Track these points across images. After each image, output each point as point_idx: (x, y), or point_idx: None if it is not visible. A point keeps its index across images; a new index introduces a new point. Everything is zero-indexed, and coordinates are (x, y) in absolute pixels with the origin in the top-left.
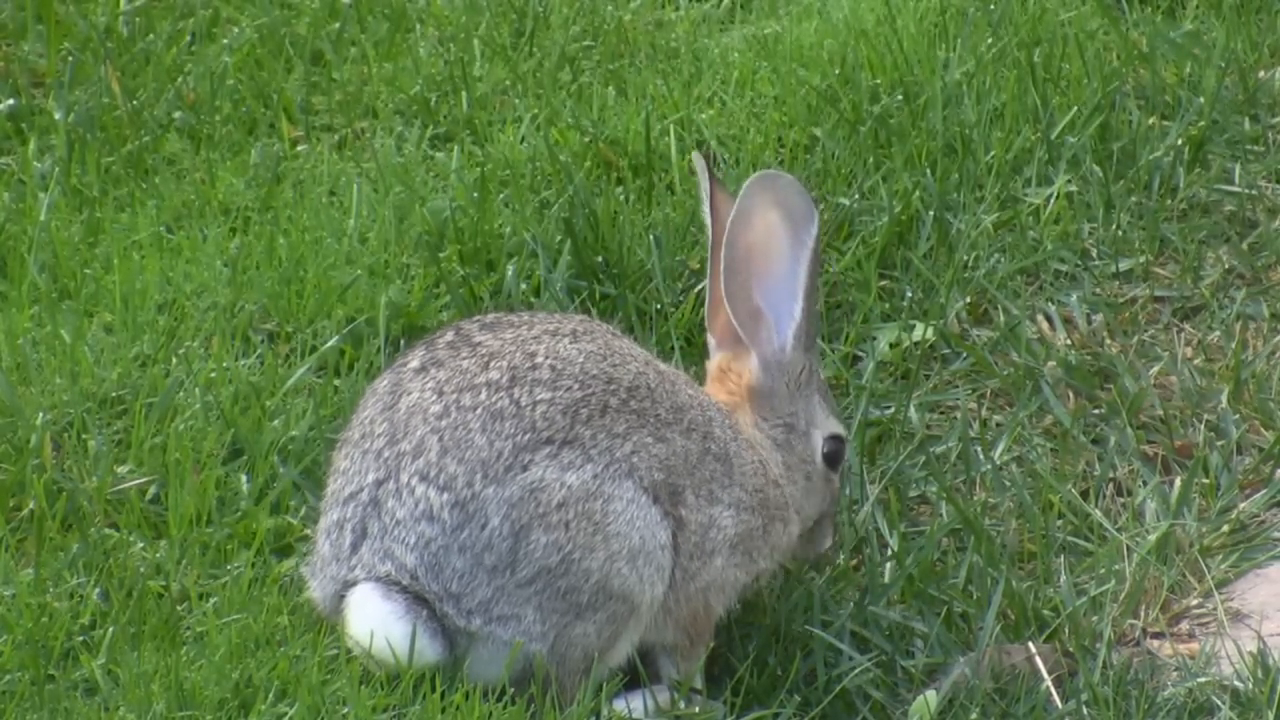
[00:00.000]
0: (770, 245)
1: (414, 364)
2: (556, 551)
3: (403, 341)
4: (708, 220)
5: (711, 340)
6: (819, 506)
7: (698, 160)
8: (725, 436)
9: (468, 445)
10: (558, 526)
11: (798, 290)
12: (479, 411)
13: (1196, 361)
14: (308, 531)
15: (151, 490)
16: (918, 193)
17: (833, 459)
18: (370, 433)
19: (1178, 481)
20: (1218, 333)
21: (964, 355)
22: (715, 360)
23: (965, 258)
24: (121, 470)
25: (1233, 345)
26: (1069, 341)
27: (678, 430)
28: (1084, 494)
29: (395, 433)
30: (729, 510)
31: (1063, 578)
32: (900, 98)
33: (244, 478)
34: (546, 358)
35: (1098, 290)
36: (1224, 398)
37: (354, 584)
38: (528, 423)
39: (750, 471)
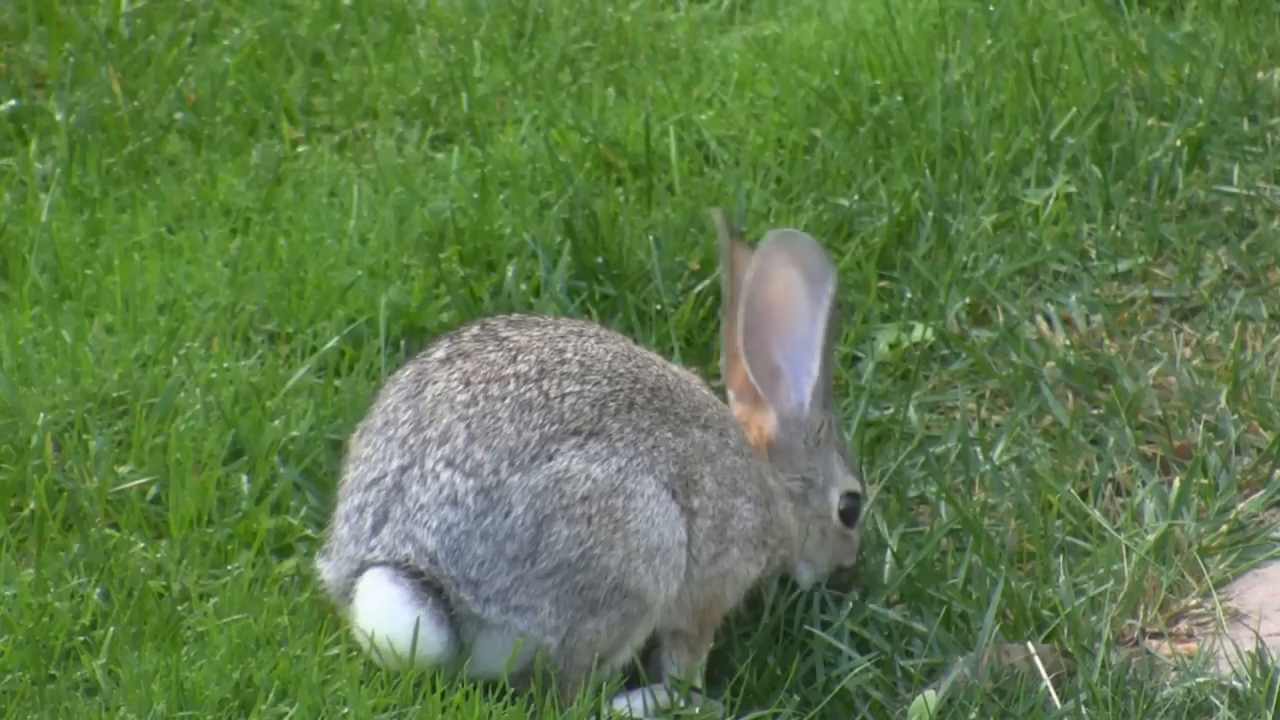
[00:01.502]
0: (789, 304)
1: (439, 355)
2: (577, 545)
3: (403, 342)
4: (724, 277)
5: (731, 394)
6: (833, 559)
7: (717, 216)
8: (740, 438)
9: (496, 433)
10: (580, 520)
11: (815, 349)
12: (507, 401)
13: (1195, 362)
14: (308, 531)
15: (152, 490)
16: (917, 193)
17: (849, 516)
18: (394, 420)
19: (1176, 482)
20: (1216, 333)
21: (963, 356)
22: (735, 411)
23: (964, 258)
24: (122, 470)
25: (1231, 346)
26: (1068, 342)
27: (696, 425)
28: (1083, 494)
29: (421, 420)
30: (749, 504)
31: (1061, 578)
32: (899, 99)
33: (244, 478)
34: (575, 354)
35: (1097, 291)
36: (1223, 398)
37: (370, 565)
38: (556, 414)
39: (761, 474)
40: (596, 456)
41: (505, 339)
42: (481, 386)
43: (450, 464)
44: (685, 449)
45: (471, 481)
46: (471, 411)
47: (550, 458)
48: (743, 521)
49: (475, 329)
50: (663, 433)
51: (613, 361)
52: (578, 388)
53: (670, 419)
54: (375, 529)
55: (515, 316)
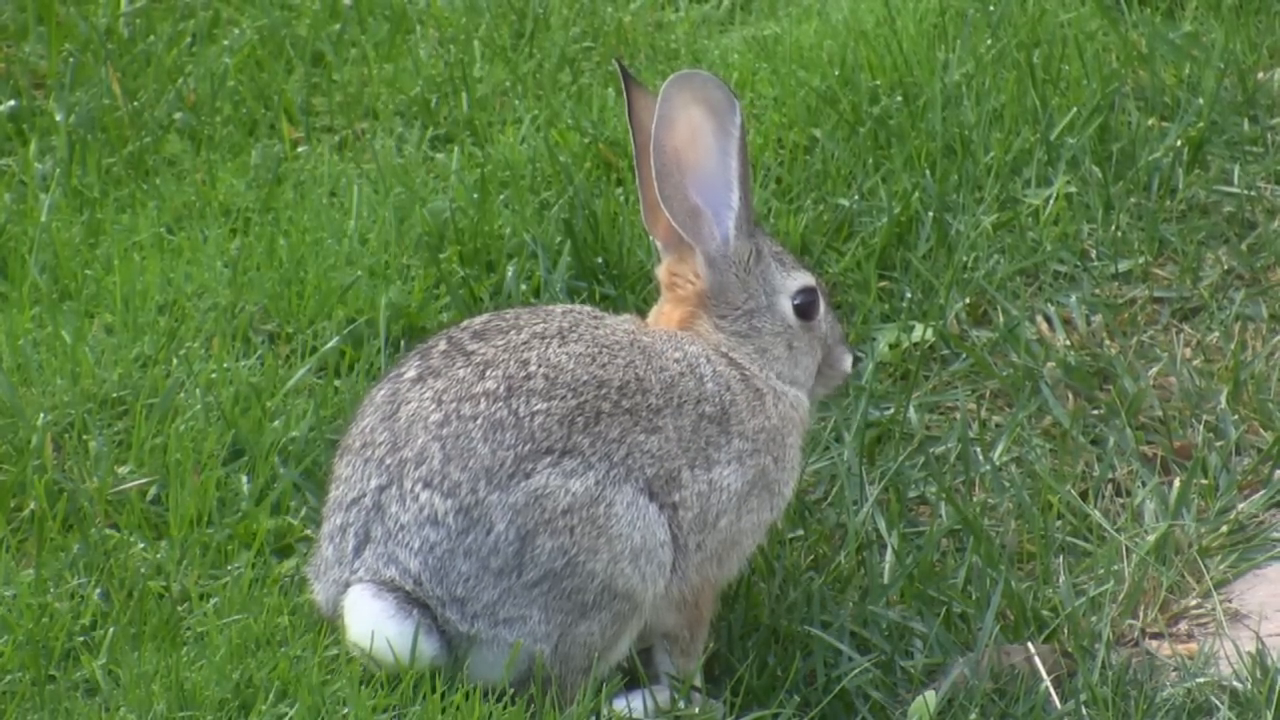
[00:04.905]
0: (698, 142)
1: (410, 374)
2: (562, 555)
3: (403, 343)
4: (631, 129)
5: (659, 245)
6: (814, 358)
7: (616, 65)
8: (718, 389)
9: (471, 454)
10: (563, 531)
11: (731, 181)
12: (480, 421)
13: (1195, 362)
14: (308, 532)
15: (152, 491)
16: (917, 194)
17: (805, 311)
18: (371, 441)
19: (1177, 482)
20: (1217, 333)
21: (963, 356)
22: (664, 266)
23: (964, 259)
24: (122, 471)
25: (1231, 346)
26: (1068, 342)
27: (669, 413)
28: (1083, 494)
29: (396, 440)
30: (729, 467)
31: (1062, 578)
32: (900, 99)
33: (244, 478)
34: (539, 366)
35: (1097, 291)
36: (1223, 398)
37: (354, 584)
38: (527, 433)
39: (749, 413)
40: (573, 472)
41: (472, 353)
42: (453, 405)
43: (428, 485)
44: (660, 446)
45: (451, 501)
46: (445, 432)
47: (527, 476)
48: (725, 491)
49: (442, 344)
50: (635, 437)
51: (575, 369)
52: (545, 405)
53: (641, 417)
54: (358, 550)
55: (479, 323)
